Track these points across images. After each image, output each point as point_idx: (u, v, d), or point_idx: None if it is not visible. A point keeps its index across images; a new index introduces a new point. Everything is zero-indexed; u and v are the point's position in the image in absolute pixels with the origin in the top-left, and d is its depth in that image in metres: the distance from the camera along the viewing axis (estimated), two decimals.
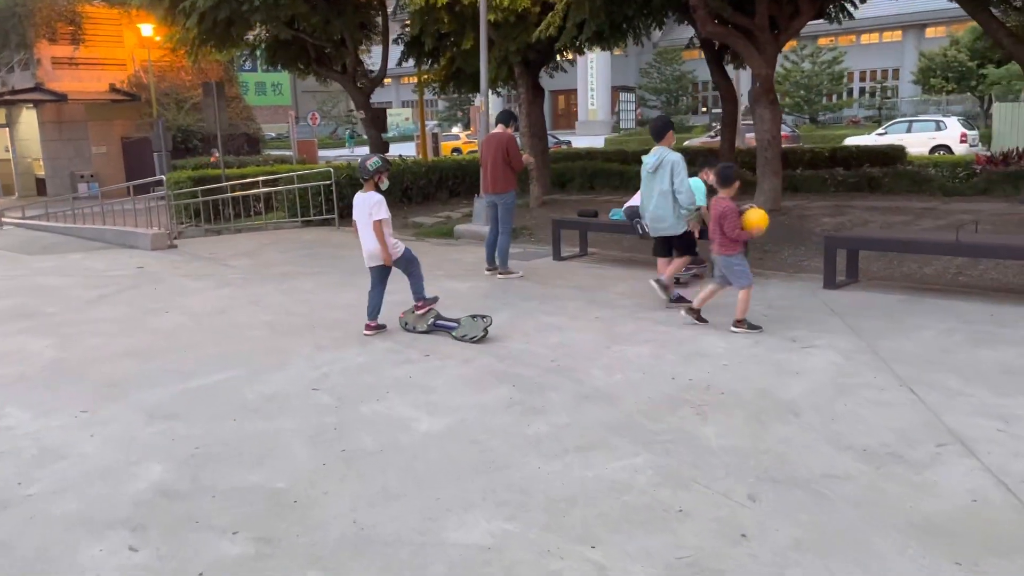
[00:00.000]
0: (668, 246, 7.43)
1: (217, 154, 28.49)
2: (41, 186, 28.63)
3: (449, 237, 12.34)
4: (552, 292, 8.08)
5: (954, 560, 3.02)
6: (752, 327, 6.30)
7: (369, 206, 6.42)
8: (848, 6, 13.22)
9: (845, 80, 43.46)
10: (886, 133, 28.41)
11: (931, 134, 27.40)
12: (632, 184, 16.59)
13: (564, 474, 3.86)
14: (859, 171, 14.62)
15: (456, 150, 38.21)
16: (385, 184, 6.55)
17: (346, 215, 14.87)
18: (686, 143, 30.09)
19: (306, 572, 3.11)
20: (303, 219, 14.83)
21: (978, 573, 2.95)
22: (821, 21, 13.54)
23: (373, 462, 4.08)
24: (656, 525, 3.36)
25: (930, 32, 45.72)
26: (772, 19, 11.40)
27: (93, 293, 8.87)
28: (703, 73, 50.18)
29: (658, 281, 7.31)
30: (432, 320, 6.65)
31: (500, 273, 9.06)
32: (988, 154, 14.72)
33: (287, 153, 33.81)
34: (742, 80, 25.62)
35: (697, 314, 6.58)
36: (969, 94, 36.48)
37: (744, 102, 22.47)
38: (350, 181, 15.22)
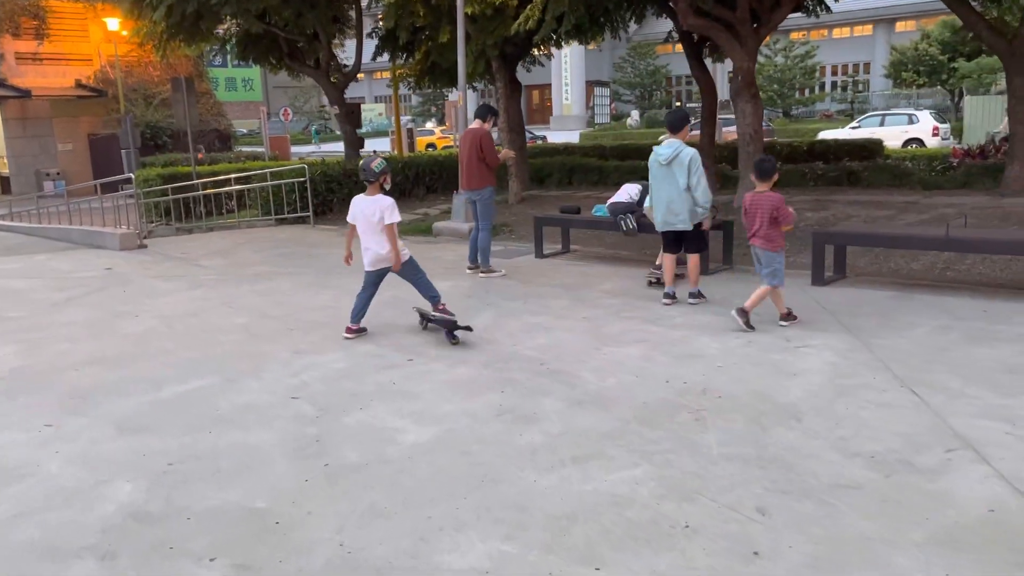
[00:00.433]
0: (678, 241, 7.16)
1: (203, 152, 27.98)
2: (5, 184, 27.91)
3: (428, 235, 12.10)
4: (536, 291, 7.88)
5: None
6: (749, 325, 6.16)
7: (381, 209, 6.20)
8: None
9: (817, 74, 43.70)
10: (859, 127, 28.54)
11: (904, 127, 27.58)
12: (611, 180, 16.45)
13: (562, 488, 3.66)
14: (838, 165, 14.55)
15: (431, 145, 37.93)
16: (388, 185, 6.35)
17: (321, 213, 14.61)
18: (662, 137, 30.07)
19: None
20: (277, 217, 14.50)
21: None
22: (794, 15, 13.43)
23: (359, 478, 3.86)
24: (663, 543, 3.17)
25: (900, 26, 46.10)
26: (753, 12, 11.28)
27: (59, 296, 8.53)
28: (677, 67, 50.33)
29: (691, 294, 7.03)
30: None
31: (482, 271, 8.85)
32: (965, 147, 14.71)
33: (259, 149, 33.27)
34: (718, 74, 25.55)
35: (747, 317, 6.23)
36: (939, 87, 36.77)
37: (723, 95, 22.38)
38: (325, 178, 14.94)
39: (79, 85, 27.72)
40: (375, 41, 17.14)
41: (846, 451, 3.92)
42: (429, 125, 47.05)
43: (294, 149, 37.84)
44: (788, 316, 6.31)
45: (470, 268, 8.99)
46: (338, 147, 41.33)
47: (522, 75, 17.53)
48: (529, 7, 10.68)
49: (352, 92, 17.97)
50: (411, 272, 6.48)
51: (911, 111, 29.50)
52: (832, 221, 10.29)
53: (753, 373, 5.16)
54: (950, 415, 4.32)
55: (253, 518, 3.49)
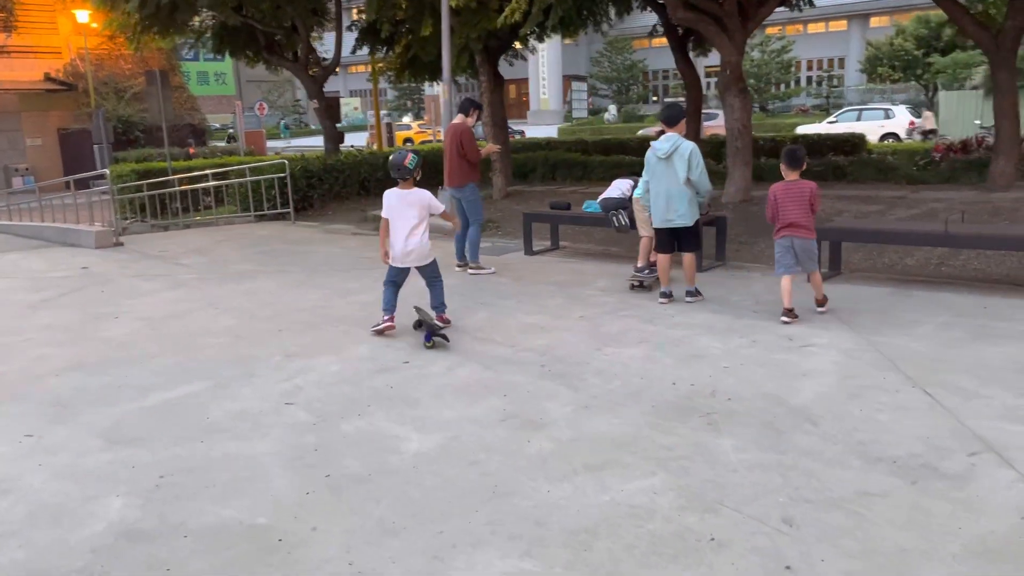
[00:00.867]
0: (674, 240, 7.00)
1: (194, 146, 27.48)
2: None
3: None
4: (529, 289, 7.72)
5: None
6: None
7: (426, 201, 6.18)
8: None
9: (793, 69, 43.91)
10: (837, 121, 28.64)
11: (880, 122, 27.73)
12: (595, 175, 16.33)
13: (578, 499, 3.50)
14: (823, 160, 14.52)
15: (408, 140, 37.61)
16: (419, 176, 6.28)
17: (301, 209, 14.34)
18: (640, 132, 30.00)
19: None
20: (256, 213, 14.21)
21: None
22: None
23: (363, 490, 3.68)
24: (690, 558, 3.03)
25: (875, 21, 46.43)
26: (740, 6, 11.18)
27: (34, 297, 8.24)
28: (653, 62, 50.41)
29: (688, 293, 6.95)
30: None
31: (471, 267, 8.67)
32: (948, 142, 14.73)
33: (234, 144, 32.78)
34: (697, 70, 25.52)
35: (792, 312, 6.22)
36: (914, 83, 37.04)
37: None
38: (305, 174, 14.68)
39: (48, 78, 27.10)
40: (354, 34, 16.87)
41: (867, 456, 3.80)
42: (406, 120, 46.67)
43: (270, 144, 37.33)
44: (824, 302, 6.45)
45: (459, 266, 8.81)
46: (309, 142, 40.94)
47: (501, 69, 17.35)
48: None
49: (326, 86, 17.64)
50: (433, 272, 6.31)
51: (887, 106, 29.68)
52: (823, 216, 10.20)
53: (761, 374, 5.03)
54: (968, 417, 4.21)
55: (254, 536, 3.30)
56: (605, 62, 49.72)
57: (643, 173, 7.27)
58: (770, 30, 42.66)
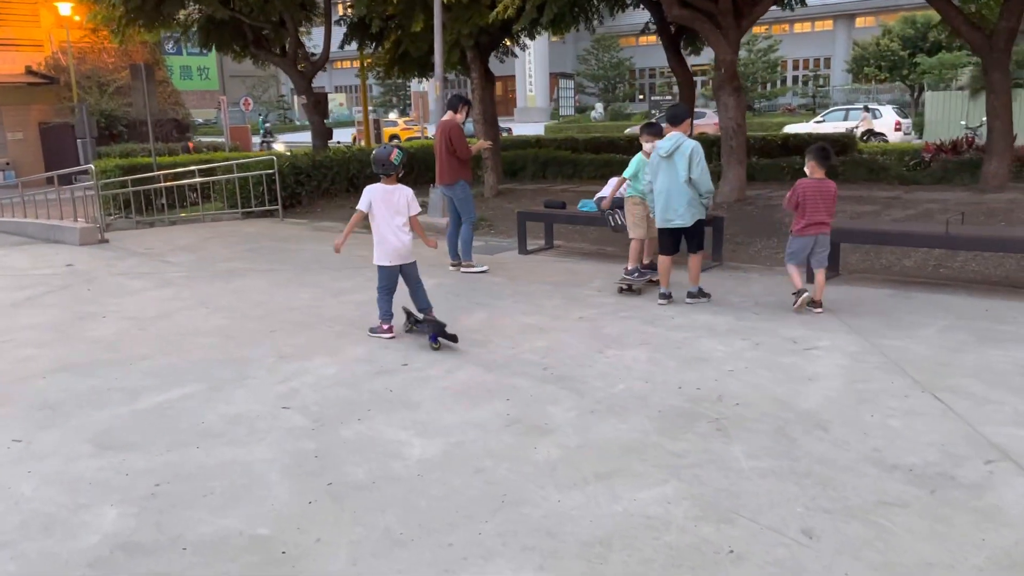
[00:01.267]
0: (676, 241, 6.88)
1: (193, 141, 27.15)
2: None
3: None
4: (525, 289, 7.61)
5: None
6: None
7: (406, 199, 5.99)
8: None
9: (779, 69, 44.03)
10: (824, 121, 28.75)
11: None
12: (585, 173, 16.26)
13: (590, 509, 3.40)
14: None
15: (394, 137, 37.40)
16: (401, 173, 6.10)
17: (289, 206, 14.17)
18: (627, 130, 29.94)
19: None
20: (244, 210, 14.02)
21: None
22: None
23: (367, 498, 3.56)
24: (708, 571, 2.93)
25: (860, 22, 46.65)
26: (735, 4, 11.10)
27: (18, 295, 8.05)
28: (640, 61, 50.41)
29: (690, 294, 6.86)
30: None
31: (463, 266, 8.56)
32: (938, 142, 14.74)
33: (219, 140, 32.47)
34: None
35: (819, 303, 6.49)
36: (899, 83, 37.22)
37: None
38: (293, 170, 14.51)
39: (29, 72, 26.73)
40: (343, 29, 16.69)
41: (883, 464, 3.73)
42: (392, 116, 46.44)
43: (255, 139, 37.00)
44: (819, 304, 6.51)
45: (453, 265, 8.69)
46: (289, 138, 40.59)
47: (489, 66, 17.21)
48: None
49: (312, 82, 17.44)
50: (416, 271, 6.17)
51: (874, 106, 29.80)
52: None
53: (766, 378, 4.95)
54: (980, 423, 4.15)
55: (256, 547, 3.18)
56: (592, 60, 49.67)
57: (629, 170, 7.24)
58: (756, 29, 42.68)
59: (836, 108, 31.37)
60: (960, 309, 6.37)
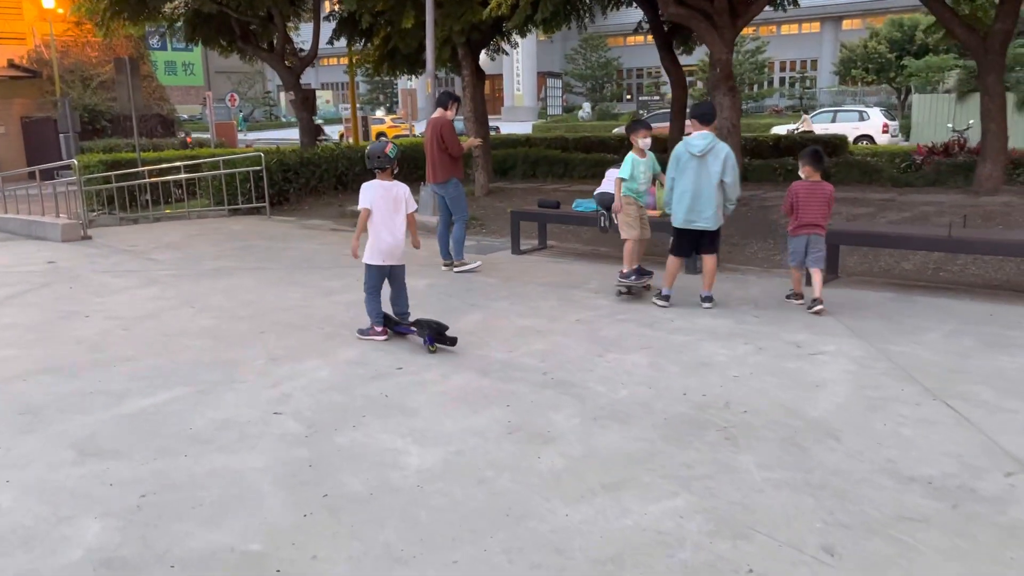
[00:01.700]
0: (693, 244, 6.69)
1: (191, 137, 26.78)
2: None
3: None
4: (520, 290, 7.46)
5: None
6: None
7: (404, 196, 5.84)
8: None
9: (767, 70, 44.09)
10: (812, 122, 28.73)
11: (855, 124, 27.89)
12: (576, 172, 16.12)
13: (599, 523, 3.25)
14: None
15: (381, 135, 37.15)
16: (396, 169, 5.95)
17: (276, 204, 13.96)
18: (615, 130, 29.85)
19: None
20: (230, 207, 13.79)
21: None
22: None
23: (365, 511, 3.40)
24: None
25: (847, 24, 46.82)
26: (730, 3, 10.99)
27: None
28: (628, 61, 50.40)
29: (705, 298, 6.68)
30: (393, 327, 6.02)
31: (456, 265, 8.40)
32: (929, 145, 14.69)
33: (204, 136, 32.12)
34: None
35: (801, 296, 6.71)
36: (886, 85, 37.33)
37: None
38: (281, 167, 14.29)
39: (11, 65, 26.30)
40: (332, 24, 16.48)
41: (899, 476, 3.60)
42: (379, 113, 46.18)
43: (240, 136, 36.65)
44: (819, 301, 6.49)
45: (445, 265, 8.53)
46: (275, 135, 40.22)
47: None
48: None
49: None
50: (403, 276, 5.99)
51: (862, 108, 29.87)
52: None
53: (772, 384, 4.83)
54: (996, 433, 4.03)
55: (249, 565, 3.01)
56: (580, 59, 49.57)
57: (624, 171, 6.98)
58: (744, 30, 42.80)
59: (824, 110, 31.39)
60: (964, 313, 6.28)
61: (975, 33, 11.44)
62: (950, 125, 22.50)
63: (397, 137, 33.37)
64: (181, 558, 3.06)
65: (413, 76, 17.65)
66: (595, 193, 8.30)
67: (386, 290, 5.99)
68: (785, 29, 48.06)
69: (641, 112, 35.39)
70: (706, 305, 6.63)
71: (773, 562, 2.95)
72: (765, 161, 14.55)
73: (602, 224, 7.99)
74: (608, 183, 8.23)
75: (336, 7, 16.04)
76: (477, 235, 10.56)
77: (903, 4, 39.45)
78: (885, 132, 27.45)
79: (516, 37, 16.20)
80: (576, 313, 6.60)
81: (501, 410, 4.49)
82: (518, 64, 49.72)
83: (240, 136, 38.51)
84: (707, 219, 6.49)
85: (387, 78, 35.95)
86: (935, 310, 6.41)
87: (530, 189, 14.33)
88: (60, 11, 25.33)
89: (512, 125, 39.56)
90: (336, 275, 8.29)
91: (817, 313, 6.31)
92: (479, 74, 14.87)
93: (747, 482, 3.58)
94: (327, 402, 4.67)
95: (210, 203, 14.27)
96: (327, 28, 16.59)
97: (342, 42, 16.91)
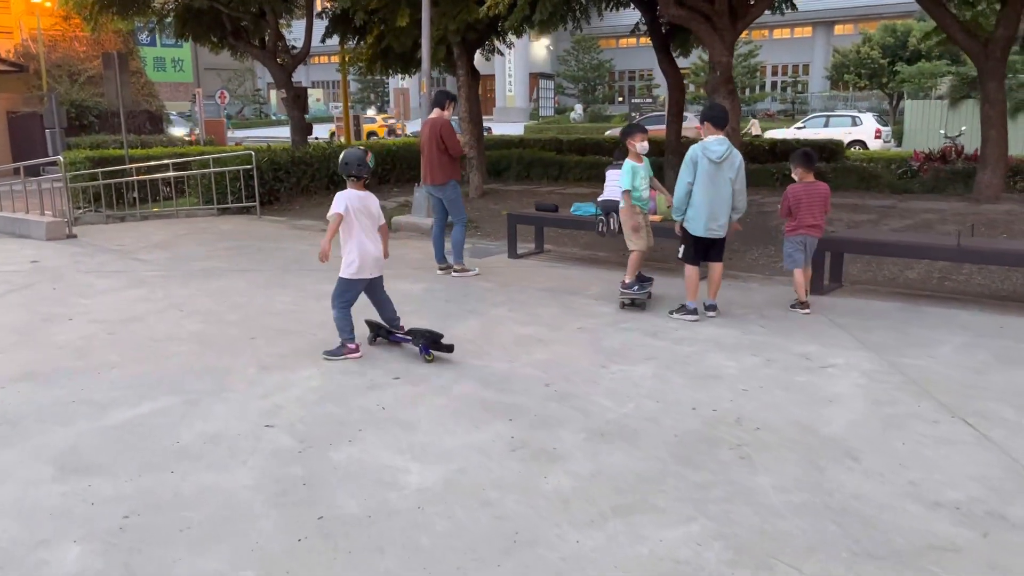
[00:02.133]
0: (704, 252, 6.49)
1: (196, 131, 26.38)
2: None
3: None
4: (519, 296, 7.27)
5: None
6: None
7: (377, 208, 5.62)
8: None
9: (759, 74, 44.08)
10: (804, 127, 28.70)
11: (848, 129, 27.84)
12: (571, 175, 15.95)
13: (612, 550, 3.07)
14: None
15: (372, 134, 36.93)
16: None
17: (267, 203, 13.73)
18: (607, 132, 29.72)
19: None
20: (220, 206, 13.55)
21: None
22: None
23: (363, 535, 3.20)
24: None
25: (839, 29, 46.89)
26: (730, 5, 10.83)
27: None
28: (621, 62, 50.33)
29: (710, 307, 6.50)
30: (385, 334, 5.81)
31: (455, 268, 8.20)
32: (926, 151, 14.59)
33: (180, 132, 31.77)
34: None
35: (807, 304, 6.62)
36: (877, 90, 37.37)
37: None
38: (272, 166, 14.06)
39: None
40: (325, 22, 16.23)
41: (924, 500, 3.43)
42: (370, 113, 45.91)
43: (230, 133, 36.31)
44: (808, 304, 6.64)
45: (441, 269, 8.33)
46: (265, 133, 39.90)
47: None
48: None
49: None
50: (382, 285, 5.76)
51: (855, 113, 29.84)
52: None
53: (784, 398, 4.66)
54: (1020, 454, 3.88)
55: None
56: (572, 61, 49.46)
57: (625, 181, 6.76)
58: None
59: (817, 114, 31.35)
60: (974, 326, 6.13)
61: (976, 39, 11.34)
62: (943, 131, 22.46)
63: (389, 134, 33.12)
64: None
65: (406, 75, 17.42)
66: (598, 200, 8.10)
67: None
68: (777, 33, 48.07)
69: (633, 115, 35.28)
70: (711, 314, 6.46)
71: None
72: (762, 165, 14.41)
73: (600, 229, 7.79)
74: (611, 187, 8.02)
75: (329, 4, 15.80)
76: (472, 238, 10.36)
77: (896, 10, 39.51)
78: (878, 138, 27.43)
79: (511, 37, 16.02)
80: (577, 321, 6.42)
81: (504, 424, 4.30)
82: (510, 65, 49.56)
83: (228, 134, 38.18)
84: (722, 227, 6.35)
85: (379, 77, 35.80)
86: (944, 321, 6.26)
87: (525, 191, 14.15)
88: (48, 5, 25.00)
89: (504, 126, 39.37)
90: (328, 278, 8.00)
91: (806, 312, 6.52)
92: (474, 74, 14.66)
93: (765, 506, 3.40)
94: (321, 414, 4.47)
95: (199, 202, 14.02)
96: (319, 26, 16.34)
97: (333, 40, 16.66)
